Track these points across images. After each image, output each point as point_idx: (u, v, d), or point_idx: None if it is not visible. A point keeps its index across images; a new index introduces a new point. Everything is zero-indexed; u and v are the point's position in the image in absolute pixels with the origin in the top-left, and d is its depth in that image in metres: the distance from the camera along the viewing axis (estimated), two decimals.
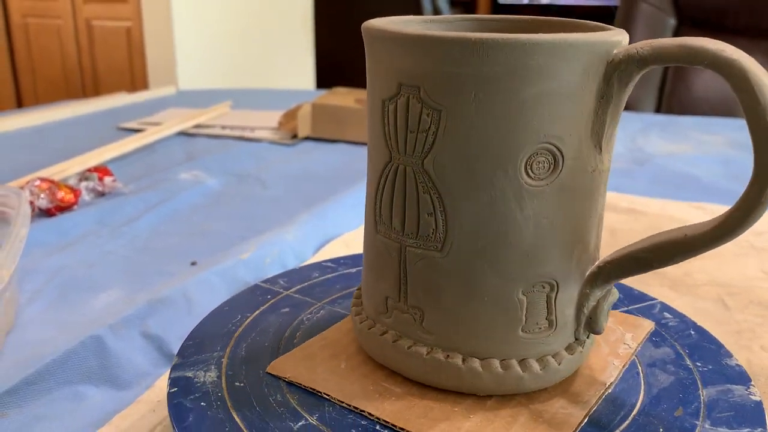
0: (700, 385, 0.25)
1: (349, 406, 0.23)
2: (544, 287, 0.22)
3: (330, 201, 0.52)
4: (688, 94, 1.04)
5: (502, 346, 0.23)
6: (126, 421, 0.27)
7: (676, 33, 1.07)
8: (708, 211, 0.51)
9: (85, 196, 0.54)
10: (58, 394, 0.29)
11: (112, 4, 1.96)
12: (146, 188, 0.57)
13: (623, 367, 0.25)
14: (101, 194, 0.56)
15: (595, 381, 0.24)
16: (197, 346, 0.27)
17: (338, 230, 0.48)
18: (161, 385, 0.30)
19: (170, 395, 0.24)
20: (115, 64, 2.01)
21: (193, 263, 0.42)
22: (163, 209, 0.52)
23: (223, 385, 0.24)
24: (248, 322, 0.29)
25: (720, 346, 0.27)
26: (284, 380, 0.24)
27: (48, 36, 2.09)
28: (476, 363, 0.23)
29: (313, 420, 0.22)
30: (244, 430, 0.22)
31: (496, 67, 0.20)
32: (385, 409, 0.23)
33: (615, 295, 0.24)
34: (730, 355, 0.27)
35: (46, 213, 0.50)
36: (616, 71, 0.21)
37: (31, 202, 0.50)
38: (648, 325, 0.28)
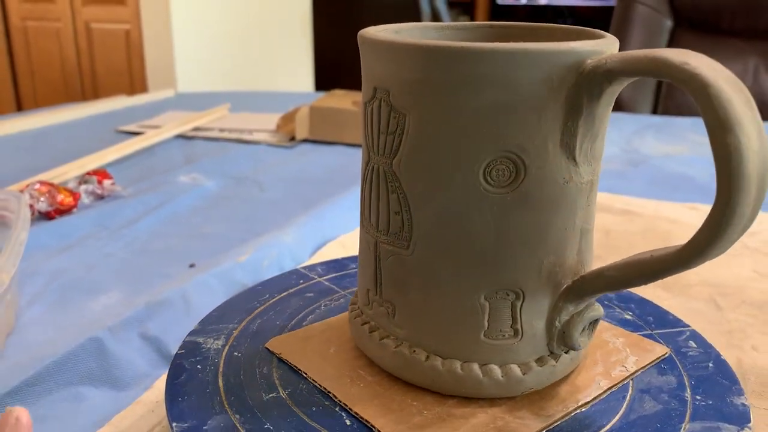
0: (686, 419, 0.23)
1: (320, 385, 0.24)
2: (508, 295, 0.22)
3: (327, 203, 0.52)
4: (685, 96, 1.04)
5: (464, 348, 0.23)
6: (125, 422, 0.28)
7: (673, 35, 1.08)
8: (702, 212, 0.52)
9: (85, 199, 0.55)
10: (59, 395, 0.29)
11: (111, 7, 1.96)
12: (145, 191, 0.57)
13: (610, 389, 0.24)
14: (100, 197, 0.56)
15: (570, 398, 0.24)
16: (218, 317, 0.29)
17: (336, 232, 0.48)
18: (160, 386, 0.30)
19: (176, 356, 0.26)
20: (114, 67, 2.01)
21: (192, 265, 0.43)
22: (162, 212, 0.53)
23: (224, 353, 0.27)
24: (272, 301, 0.31)
25: (735, 382, 0.25)
26: (276, 356, 0.26)
27: (47, 39, 2.09)
28: (438, 361, 0.23)
29: (284, 394, 0.24)
30: (222, 394, 0.24)
31: (454, 75, 0.20)
32: (348, 392, 0.24)
33: (597, 311, 0.23)
34: (741, 393, 0.25)
35: (46, 216, 0.51)
36: (586, 83, 0.20)
37: (31, 206, 0.50)
38: (661, 351, 0.27)
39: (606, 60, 0.20)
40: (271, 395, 0.24)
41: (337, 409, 0.23)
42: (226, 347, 0.27)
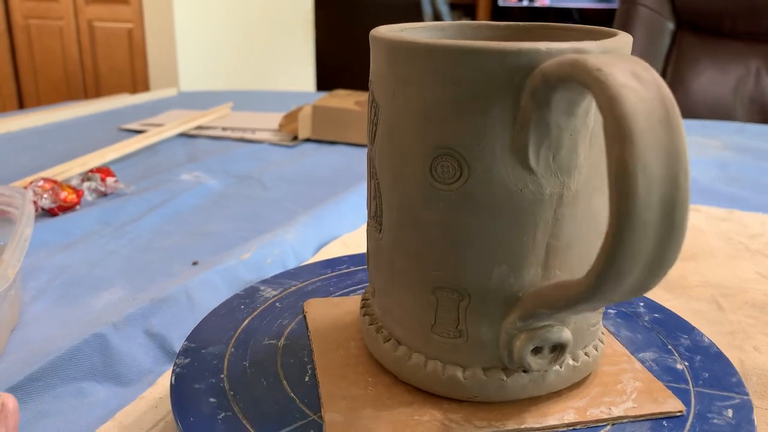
0: None
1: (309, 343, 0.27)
2: (453, 294, 0.22)
3: (330, 202, 0.52)
4: (686, 98, 1.04)
5: (415, 338, 0.23)
6: (129, 418, 0.28)
7: (675, 37, 1.08)
8: (704, 214, 0.52)
9: (88, 197, 0.55)
10: (62, 390, 0.30)
11: (113, 5, 1.97)
12: (148, 189, 0.57)
13: (570, 425, 0.22)
14: (103, 194, 0.56)
15: (516, 418, 0.22)
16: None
17: (338, 231, 0.48)
18: (164, 382, 0.30)
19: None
20: (116, 65, 2.02)
21: (195, 263, 0.43)
22: (165, 210, 0.53)
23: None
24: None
25: None
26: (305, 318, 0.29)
27: (50, 37, 2.10)
28: (401, 350, 0.24)
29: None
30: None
31: (407, 70, 0.21)
32: (325, 364, 0.26)
33: (555, 334, 0.21)
34: None
35: (49, 213, 0.51)
36: (530, 86, 0.19)
37: (34, 203, 0.50)
38: (673, 407, 0.23)
39: (546, 65, 0.18)
40: (273, 390, 0.24)
41: (306, 378, 0.25)
42: (231, 342, 0.27)
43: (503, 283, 0.21)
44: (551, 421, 0.22)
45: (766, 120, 1.01)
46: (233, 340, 0.28)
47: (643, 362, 0.26)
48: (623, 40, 0.21)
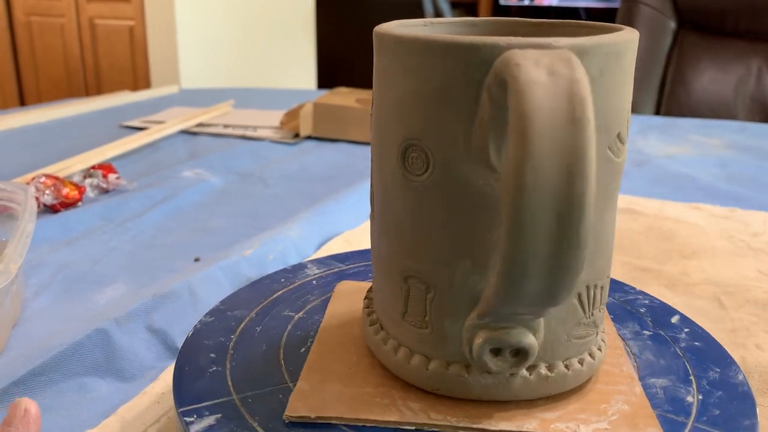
0: None
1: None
2: (421, 284, 0.22)
3: (331, 199, 0.52)
4: (687, 97, 1.04)
5: (393, 326, 0.24)
6: (131, 413, 0.28)
7: (676, 36, 1.08)
8: (706, 212, 0.52)
9: (90, 193, 0.55)
10: (65, 385, 0.30)
11: (115, 3, 1.96)
12: (150, 185, 0.58)
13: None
14: (105, 191, 0.56)
15: (473, 417, 0.22)
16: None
17: (340, 228, 0.48)
18: (166, 377, 0.30)
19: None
20: (117, 62, 2.02)
21: (197, 259, 0.43)
22: (167, 206, 0.53)
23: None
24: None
25: None
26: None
27: (51, 34, 2.10)
28: (381, 335, 0.25)
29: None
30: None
31: (384, 61, 0.22)
32: (323, 339, 0.27)
33: (515, 338, 0.21)
34: None
35: (51, 209, 0.51)
36: (487, 82, 0.19)
37: (36, 199, 0.50)
38: None
39: (497, 59, 0.18)
40: (267, 356, 0.26)
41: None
42: (256, 309, 0.28)
43: (467, 279, 0.21)
44: (506, 426, 0.22)
45: (767, 119, 1.01)
46: (259, 307, 0.29)
47: (650, 388, 0.24)
48: (621, 36, 0.21)
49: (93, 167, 0.58)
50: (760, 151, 0.73)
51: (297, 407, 0.22)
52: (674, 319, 0.30)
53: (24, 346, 0.32)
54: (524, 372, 0.22)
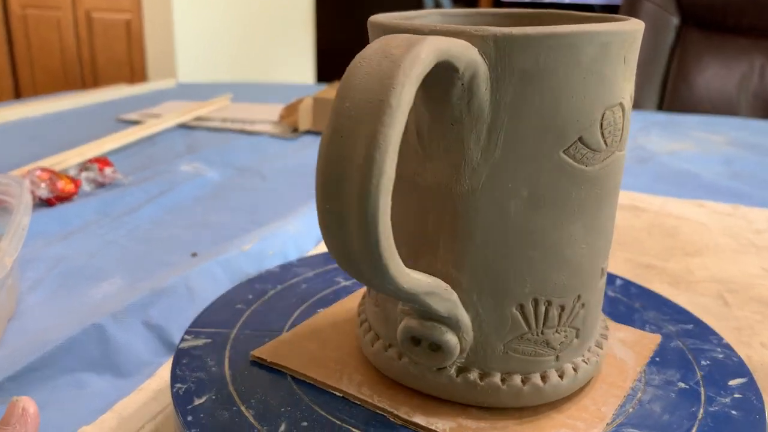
0: None
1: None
2: None
3: None
4: (690, 93, 1.04)
5: (366, 303, 0.26)
6: (128, 409, 0.27)
7: (679, 32, 1.07)
8: (709, 209, 0.52)
9: (85, 187, 0.54)
10: (61, 381, 0.29)
11: None
12: (146, 179, 0.57)
13: None
14: (101, 185, 0.56)
15: (406, 408, 0.22)
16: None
17: None
18: (162, 373, 0.30)
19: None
20: (114, 56, 2.00)
21: (194, 254, 0.42)
22: (164, 200, 0.52)
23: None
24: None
25: None
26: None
27: (47, 28, 2.08)
28: (361, 311, 0.26)
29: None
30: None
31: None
32: (322, 316, 0.28)
33: (432, 334, 0.21)
34: None
35: (46, 203, 0.50)
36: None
37: (32, 192, 0.49)
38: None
39: None
40: (275, 331, 0.27)
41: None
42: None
43: (417, 266, 0.22)
44: (419, 419, 0.22)
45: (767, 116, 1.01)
46: (293, 280, 0.31)
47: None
48: (573, 28, 0.19)
49: (89, 161, 0.57)
50: (763, 147, 0.73)
51: (264, 350, 0.25)
52: (734, 382, 0.25)
53: (19, 341, 0.32)
54: (451, 371, 0.22)
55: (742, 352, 0.31)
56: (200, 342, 0.26)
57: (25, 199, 0.37)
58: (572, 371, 0.22)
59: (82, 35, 2.03)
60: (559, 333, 0.22)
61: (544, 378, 0.22)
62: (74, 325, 0.32)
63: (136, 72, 1.97)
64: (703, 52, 1.02)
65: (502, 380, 0.22)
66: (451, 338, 0.21)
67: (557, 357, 0.22)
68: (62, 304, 0.36)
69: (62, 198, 0.51)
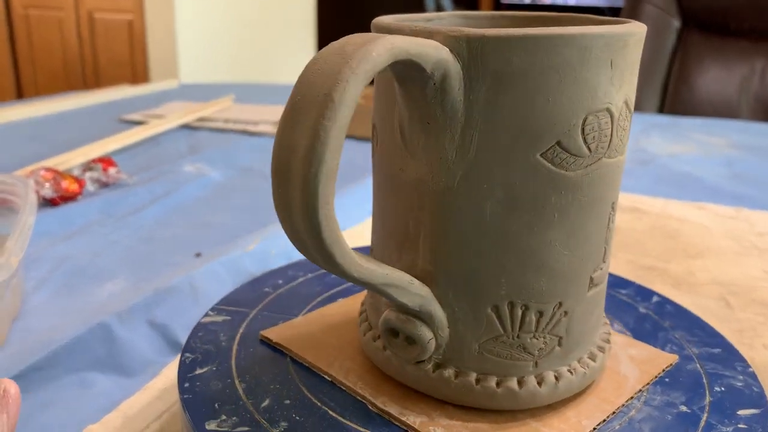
0: None
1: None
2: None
3: (335, 195, 0.52)
4: (691, 96, 1.04)
5: (367, 293, 0.26)
6: (133, 408, 0.27)
7: (680, 35, 1.07)
8: (710, 212, 0.52)
9: (89, 187, 0.54)
10: (66, 380, 0.29)
11: None
12: (150, 180, 0.57)
13: (407, 427, 0.22)
14: (105, 185, 0.56)
15: (374, 390, 0.23)
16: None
17: (343, 224, 0.48)
18: (168, 373, 0.30)
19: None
20: (116, 56, 2.01)
21: (198, 254, 0.42)
22: (167, 201, 0.52)
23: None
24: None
25: None
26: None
27: (49, 28, 2.08)
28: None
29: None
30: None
31: None
32: (338, 305, 0.29)
33: (405, 327, 0.21)
34: None
35: (50, 203, 0.50)
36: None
37: (36, 192, 0.50)
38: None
39: None
40: (293, 314, 0.28)
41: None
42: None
43: (390, 258, 0.22)
44: (393, 409, 0.22)
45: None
46: (323, 270, 0.33)
47: None
48: (547, 31, 0.19)
49: (93, 161, 0.57)
50: (765, 150, 0.73)
51: (272, 331, 0.26)
52: (744, 412, 0.23)
53: (24, 341, 0.32)
54: (428, 366, 0.22)
55: (745, 353, 0.32)
56: (220, 318, 0.28)
57: (31, 198, 0.37)
58: (553, 380, 0.22)
59: (84, 35, 2.04)
60: (537, 339, 0.22)
61: (520, 383, 0.22)
62: (79, 324, 0.32)
63: (138, 72, 1.97)
64: (704, 54, 1.02)
65: (477, 380, 0.22)
66: (425, 333, 0.21)
67: (536, 363, 0.22)
68: (67, 304, 0.36)
69: (66, 198, 0.51)
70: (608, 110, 0.20)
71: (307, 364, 0.25)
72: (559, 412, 0.23)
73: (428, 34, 0.19)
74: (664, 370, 0.25)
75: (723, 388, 0.24)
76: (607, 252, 0.23)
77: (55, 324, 0.33)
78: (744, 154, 0.72)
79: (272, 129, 0.78)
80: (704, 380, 0.25)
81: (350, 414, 0.22)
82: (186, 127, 0.79)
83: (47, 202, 0.51)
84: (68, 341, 0.30)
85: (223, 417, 0.22)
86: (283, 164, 0.17)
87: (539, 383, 0.22)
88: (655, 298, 0.31)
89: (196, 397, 0.23)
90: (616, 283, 0.33)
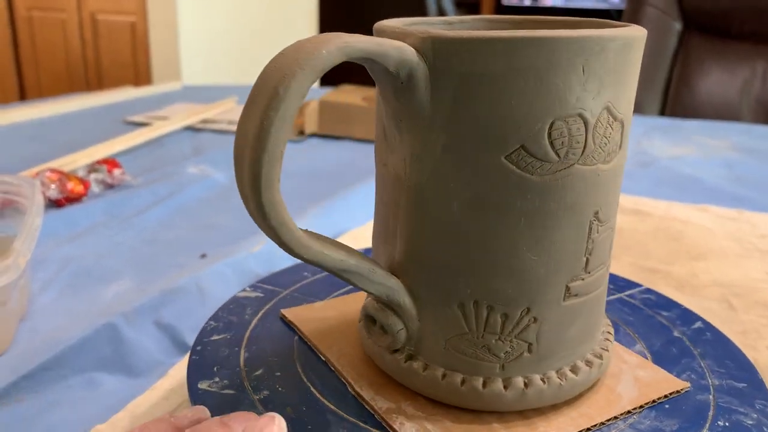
0: None
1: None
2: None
3: (338, 197, 0.52)
4: (692, 98, 1.04)
5: None
6: (140, 409, 0.28)
7: (682, 37, 1.08)
8: (713, 214, 0.52)
9: (95, 188, 0.55)
10: (73, 381, 0.29)
11: None
12: (154, 181, 0.57)
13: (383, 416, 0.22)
14: (110, 186, 0.56)
15: (363, 380, 0.24)
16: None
17: (347, 225, 0.48)
18: (174, 373, 0.30)
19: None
20: (119, 58, 2.01)
21: (203, 256, 0.43)
22: (172, 202, 0.52)
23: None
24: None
25: None
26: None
27: (52, 29, 2.09)
28: None
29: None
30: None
31: None
32: (357, 294, 0.30)
33: (377, 314, 0.23)
34: None
35: (55, 204, 0.51)
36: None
37: (42, 193, 0.50)
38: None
39: None
40: (317, 299, 0.30)
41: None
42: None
43: (377, 251, 0.24)
44: (366, 394, 0.23)
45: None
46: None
47: None
48: (508, 33, 0.19)
49: (98, 162, 0.58)
50: (766, 153, 0.73)
51: (291, 311, 0.28)
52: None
53: (32, 341, 0.32)
54: (402, 356, 0.23)
55: (749, 355, 0.32)
56: (253, 294, 0.30)
57: (37, 199, 0.37)
58: (521, 386, 0.22)
59: (87, 37, 2.04)
60: (503, 342, 0.21)
61: (486, 383, 0.22)
62: (86, 325, 0.32)
63: (140, 74, 1.97)
64: (706, 57, 1.03)
65: (443, 375, 0.22)
66: (395, 323, 0.22)
67: (503, 366, 0.22)
68: (73, 305, 0.36)
69: (72, 199, 0.51)
70: (581, 116, 0.19)
71: (310, 344, 0.26)
72: (529, 421, 0.22)
73: (403, 36, 0.20)
74: (666, 396, 0.24)
75: (727, 423, 0.23)
76: (591, 263, 0.22)
77: (62, 324, 0.33)
78: (745, 156, 0.72)
79: None
80: (710, 413, 0.23)
81: (330, 393, 0.23)
82: (189, 128, 0.79)
83: (52, 204, 0.51)
84: (75, 341, 0.31)
85: (217, 379, 0.24)
86: (238, 150, 0.18)
87: (506, 387, 0.22)
88: (697, 324, 0.29)
89: (202, 359, 0.25)
90: (659, 304, 0.31)
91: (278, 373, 0.24)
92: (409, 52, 0.19)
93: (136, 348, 0.31)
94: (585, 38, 0.19)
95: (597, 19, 0.24)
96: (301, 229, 0.20)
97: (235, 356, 0.25)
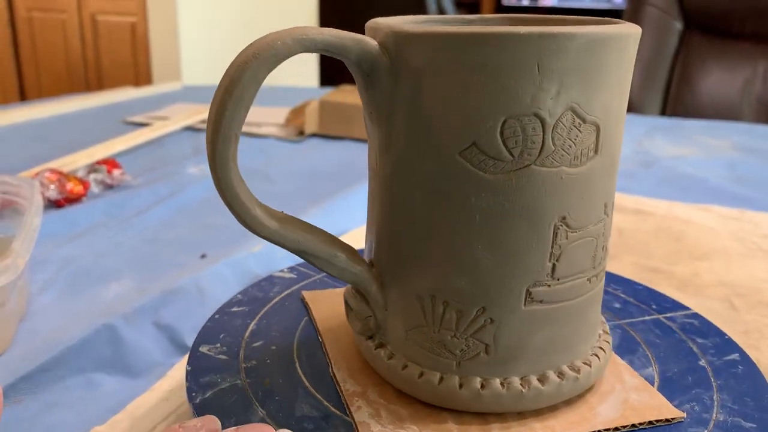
0: None
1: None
2: None
3: (338, 197, 0.52)
4: (693, 98, 1.04)
5: None
6: (139, 410, 0.27)
7: (683, 37, 1.07)
8: (715, 214, 0.52)
9: (94, 188, 0.55)
10: (72, 381, 0.29)
11: None
12: (155, 181, 0.57)
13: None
14: (110, 186, 0.56)
15: (354, 371, 0.25)
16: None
17: (348, 225, 0.48)
18: (174, 374, 0.30)
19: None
20: (119, 59, 2.01)
21: (203, 256, 0.42)
22: (172, 202, 0.52)
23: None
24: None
25: None
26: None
27: (52, 30, 2.09)
28: None
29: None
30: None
31: None
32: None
33: (351, 302, 0.24)
34: None
35: (55, 204, 0.51)
36: None
37: (41, 193, 0.50)
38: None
39: None
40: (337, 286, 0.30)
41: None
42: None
43: (365, 241, 0.25)
44: (350, 386, 0.24)
45: None
46: None
47: None
48: (461, 29, 0.19)
49: (97, 162, 0.57)
50: (767, 152, 0.73)
51: (309, 294, 0.30)
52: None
53: (31, 342, 0.32)
54: (373, 344, 0.24)
55: (751, 355, 0.31)
56: (287, 276, 0.32)
57: (36, 200, 0.37)
58: (477, 386, 0.21)
59: (87, 38, 2.04)
60: (458, 339, 0.21)
61: (441, 379, 0.22)
62: (85, 326, 0.32)
63: (140, 75, 1.97)
64: (707, 56, 1.02)
65: (404, 366, 0.23)
66: (364, 309, 0.23)
67: (458, 364, 0.22)
68: (72, 305, 0.36)
69: (71, 199, 0.51)
70: (537, 116, 0.19)
71: (314, 326, 0.27)
72: (485, 423, 0.22)
73: (374, 31, 0.21)
74: (651, 423, 0.22)
75: None
76: (560, 270, 0.21)
77: (62, 325, 0.33)
78: (746, 156, 0.71)
79: (275, 131, 0.78)
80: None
81: (311, 371, 0.24)
82: (189, 128, 0.79)
83: (52, 204, 0.51)
84: (75, 342, 0.30)
85: (218, 345, 0.26)
86: (206, 133, 0.20)
87: (461, 385, 0.22)
88: (732, 356, 0.27)
89: (213, 327, 0.27)
90: (699, 330, 0.29)
91: (273, 347, 0.26)
92: (369, 45, 0.20)
93: (136, 349, 0.31)
94: (539, 36, 0.18)
95: (597, 18, 0.24)
96: (270, 209, 0.21)
97: (243, 327, 0.27)
